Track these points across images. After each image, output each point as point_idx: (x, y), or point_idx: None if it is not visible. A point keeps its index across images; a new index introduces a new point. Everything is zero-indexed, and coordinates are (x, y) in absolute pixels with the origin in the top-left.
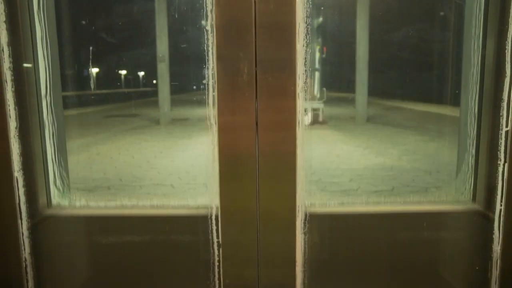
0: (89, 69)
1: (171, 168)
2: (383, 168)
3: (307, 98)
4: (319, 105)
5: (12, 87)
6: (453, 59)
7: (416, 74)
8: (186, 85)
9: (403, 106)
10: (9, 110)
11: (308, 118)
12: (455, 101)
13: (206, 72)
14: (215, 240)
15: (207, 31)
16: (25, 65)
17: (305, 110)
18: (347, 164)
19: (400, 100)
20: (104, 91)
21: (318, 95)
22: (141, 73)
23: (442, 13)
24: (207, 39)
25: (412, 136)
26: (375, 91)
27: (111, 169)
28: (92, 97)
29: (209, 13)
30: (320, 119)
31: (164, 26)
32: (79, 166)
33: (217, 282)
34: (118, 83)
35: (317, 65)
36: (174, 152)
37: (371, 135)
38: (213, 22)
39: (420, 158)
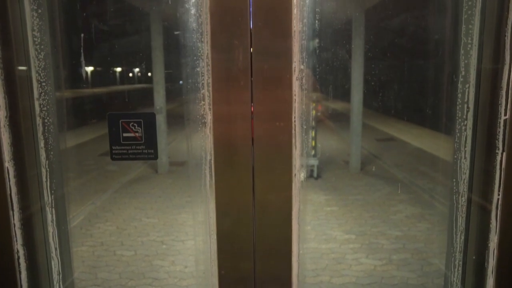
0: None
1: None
2: (372, 284)
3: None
4: (314, 161)
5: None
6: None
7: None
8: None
9: (396, 136)
10: None
11: (303, 175)
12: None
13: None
14: None
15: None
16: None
17: (301, 166)
18: (338, 272)
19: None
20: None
21: (313, 152)
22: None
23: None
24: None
25: (403, 205)
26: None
27: (115, 278)
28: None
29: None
30: (315, 174)
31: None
32: (85, 274)
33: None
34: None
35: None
36: (175, 243)
37: (364, 203)
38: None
39: (408, 258)
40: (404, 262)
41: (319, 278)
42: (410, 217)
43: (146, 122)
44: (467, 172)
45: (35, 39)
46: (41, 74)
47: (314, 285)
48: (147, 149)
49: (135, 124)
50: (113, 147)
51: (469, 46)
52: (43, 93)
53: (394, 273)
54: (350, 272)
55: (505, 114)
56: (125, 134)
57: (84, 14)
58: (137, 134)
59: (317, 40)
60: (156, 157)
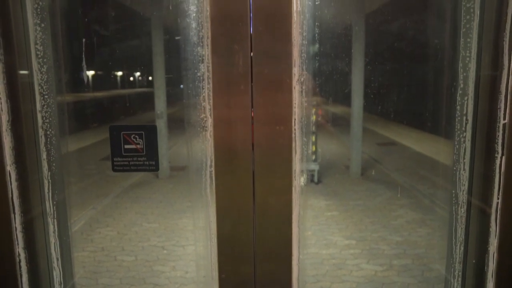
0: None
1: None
2: None
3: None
4: (315, 166)
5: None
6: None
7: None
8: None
9: (396, 140)
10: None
11: (303, 180)
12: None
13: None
14: None
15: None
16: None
17: (301, 171)
18: (339, 278)
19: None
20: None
21: (314, 157)
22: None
23: (437, 6)
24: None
25: (404, 210)
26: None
27: (116, 283)
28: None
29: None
30: (316, 179)
31: None
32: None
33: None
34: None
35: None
36: (176, 248)
37: (365, 208)
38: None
39: (409, 263)
40: (405, 267)
41: (320, 284)
42: (411, 222)
43: (147, 134)
44: (466, 183)
45: (38, 52)
46: (44, 87)
47: None
48: (148, 160)
49: (136, 136)
50: (115, 159)
51: (467, 59)
52: (45, 106)
53: (395, 278)
54: (350, 277)
55: (504, 119)
56: (126, 146)
57: (86, 20)
58: (138, 146)
59: (317, 45)
60: (157, 169)
